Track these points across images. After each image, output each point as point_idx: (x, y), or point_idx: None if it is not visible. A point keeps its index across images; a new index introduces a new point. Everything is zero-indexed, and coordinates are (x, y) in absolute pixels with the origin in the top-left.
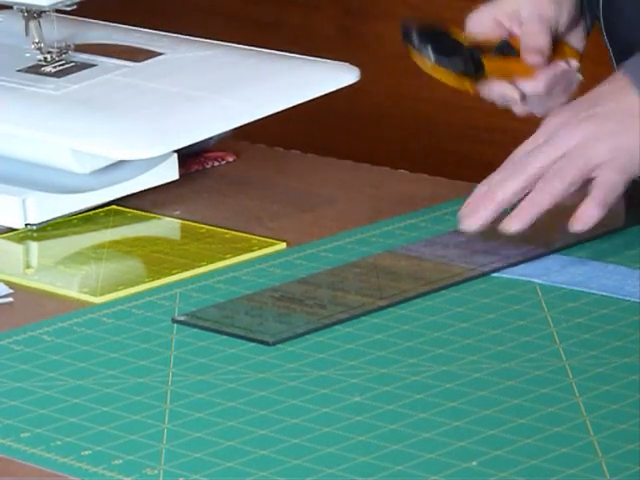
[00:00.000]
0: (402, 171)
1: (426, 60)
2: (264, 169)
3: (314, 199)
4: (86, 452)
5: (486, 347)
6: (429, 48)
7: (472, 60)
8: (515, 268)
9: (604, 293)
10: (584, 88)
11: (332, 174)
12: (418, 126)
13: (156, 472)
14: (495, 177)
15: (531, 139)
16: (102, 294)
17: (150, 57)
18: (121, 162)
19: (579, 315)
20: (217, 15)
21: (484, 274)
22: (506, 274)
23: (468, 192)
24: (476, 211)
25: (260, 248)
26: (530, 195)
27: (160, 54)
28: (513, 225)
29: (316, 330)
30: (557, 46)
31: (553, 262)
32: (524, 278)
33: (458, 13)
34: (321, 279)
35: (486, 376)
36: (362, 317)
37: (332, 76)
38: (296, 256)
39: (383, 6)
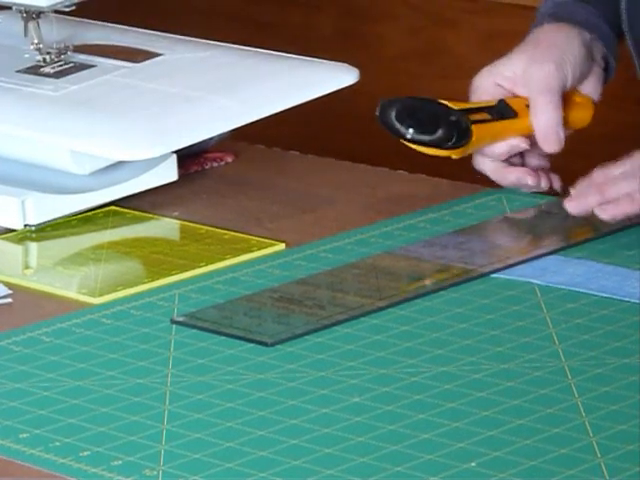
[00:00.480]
0: (401, 172)
1: (403, 137)
2: (263, 170)
3: (313, 200)
4: (85, 453)
5: (485, 348)
6: (405, 125)
7: (457, 129)
8: (514, 269)
9: (603, 294)
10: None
11: (331, 175)
12: None
13: (155, 473)
14: (614, 172)
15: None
16: (101, 295)
17: (149, 58)
18: (120, 163)
19: (578, 316)
20: (217, 15)
21: (483, 275)
22: (505, 275)
23: (467, 192)
24: (584, 197)
25: (259, 249)
26: (635, 195)
27: (159, 55)
28: (605, 214)
29: (315, 331)
30: (568, 96)
31: (552, 263)
32: (523, 279)
33: (459, 13)
34: (320, 280)
35: (485, 377)
36: (361, 318)
37: (331, 77)
38: (295, 257)
39: (383, 7)
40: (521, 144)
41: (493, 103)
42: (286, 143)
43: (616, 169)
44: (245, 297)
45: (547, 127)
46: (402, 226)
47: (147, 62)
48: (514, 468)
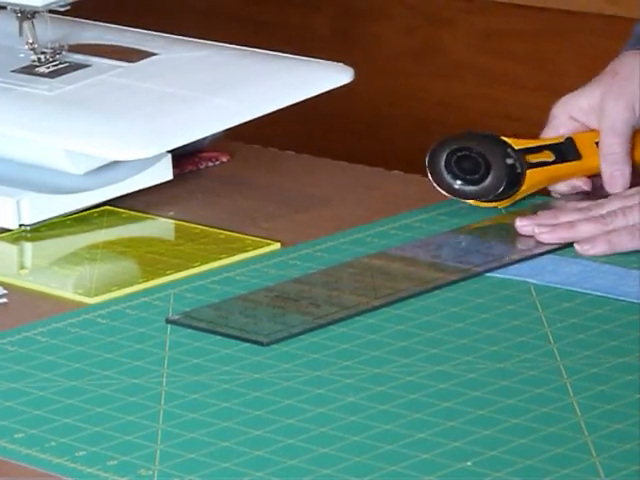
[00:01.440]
0: (396, 172)
1: (449, 192)
2: (258, 169)
3: (309, 199)
4: (81, 453)
5: (480, 347)
6: (453, 174)
7: (509, 176)
8: (509, 268)
9: (599, 293)
10: None
11: (326, 175)
12: (413, 127)
13: (150, 473)
14: (589, 208)
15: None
16: (96, 295)
17: (144, 57)
18: (115, 163)
19: (574, 315)
20: (213, 15)
21: (478, 274)
22: (500, 274)
23: None
24: (555, 232)
25: (254, 248)
26: (575, 223)
27: (154, 54)
28: (543, 236)
29: (311, 330)
30: (638, 135)
31: (547, 262)
32: (518, 278)
33: (455, 13)
34: (316, 279)
35: (481, 376)
36: (357, 317)
37: (326, 76)
38: (291, 256)
39: (379, 6)
40: (583, 186)
41: (561, 139)
42: (281, 143)
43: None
44: (241, 296)
45: (613, 169)
46: (398, 226)
47: (142, 62)
48: (510, 467)
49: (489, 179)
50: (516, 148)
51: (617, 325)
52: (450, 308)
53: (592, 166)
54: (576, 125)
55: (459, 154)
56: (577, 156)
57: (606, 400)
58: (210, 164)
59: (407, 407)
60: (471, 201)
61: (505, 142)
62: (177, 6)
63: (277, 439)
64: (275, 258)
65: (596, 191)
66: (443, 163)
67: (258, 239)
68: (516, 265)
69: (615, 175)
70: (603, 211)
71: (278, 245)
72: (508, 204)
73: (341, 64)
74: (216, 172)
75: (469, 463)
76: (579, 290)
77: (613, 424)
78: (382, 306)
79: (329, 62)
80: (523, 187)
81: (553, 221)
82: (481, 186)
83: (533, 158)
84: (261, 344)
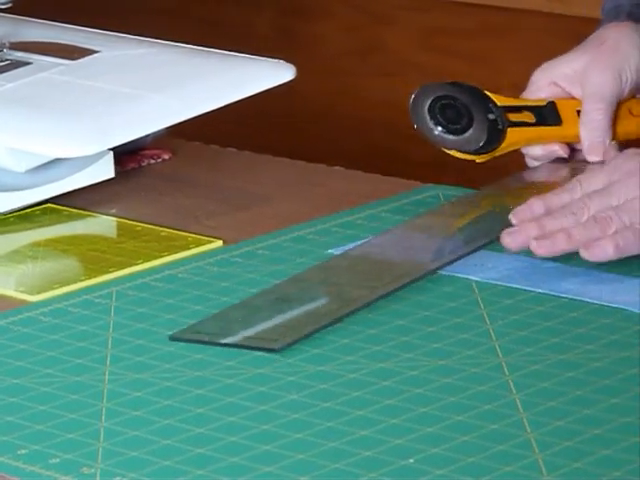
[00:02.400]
0: (338, 168)
1: (430, 137)
2: (200, 167)
3: (250, 197)
4: (22, 451)
5: (422, 344)
6: (435, 122)
7: (490, 131)
8: (452, 266)
9: (540, 290)
10: None
11: (268, 172)
12: (355, 124)
13: (93, 471)
14: (555, 202)
15: (601, 172)
16: (39, 292)
17: (86, 55)
18: (57, 160)
19: (515, 312)
20: (155, 13)
21: (428, 272)
22: (444, 271)
23: (404, 189)
24: (520, 234)
25: (197, 246)
26: (571, 231)
27: (96, 52)
28: (540, 251)
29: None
30: (624, 105)
31: (489, 259)
32: (460, 275)
33: (397, 11)
34: (312, 275)
35: (423, 373)
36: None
37: (268, 74)
38: (233, 254)
39: (321, 5)
40: (559, 151)
41: (542, 103)
42: (223, 140)
43: (557, 200)
44: (240, 303)
45: (593, 136)
46: (339, 223)
47: (84, 59)
48: (452, 464)
49: (470, 131)
50: (498, 104)
51: (559, 322)
52: (391, 305)
53: (572, 133)
54: (557, 91)
55: (443, 102)
56: (558, 121)
57: (548, 397)
58: (152, 162)
59: (349, 404)
60: (450, 151)
61: (488, 97)
62: (118, 4)
63: (219, 437)
64: (217, 255)
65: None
66: (426, 108)
67: (200, 237)
68: (458, 262)
69: (595, 143)
70: (586, 212)
71: (220, 242)
72: (485, 160)
73: (283, 62)
74: (158, 170)
75: (412, 460)
76: (521, 287)
77: (555, 421)
78: (384, 296)
79: (271, 60)
80: (502, 144)
81: (536, 230)
82: (462, 137)
83: (514, 117)
84: (273, 351)
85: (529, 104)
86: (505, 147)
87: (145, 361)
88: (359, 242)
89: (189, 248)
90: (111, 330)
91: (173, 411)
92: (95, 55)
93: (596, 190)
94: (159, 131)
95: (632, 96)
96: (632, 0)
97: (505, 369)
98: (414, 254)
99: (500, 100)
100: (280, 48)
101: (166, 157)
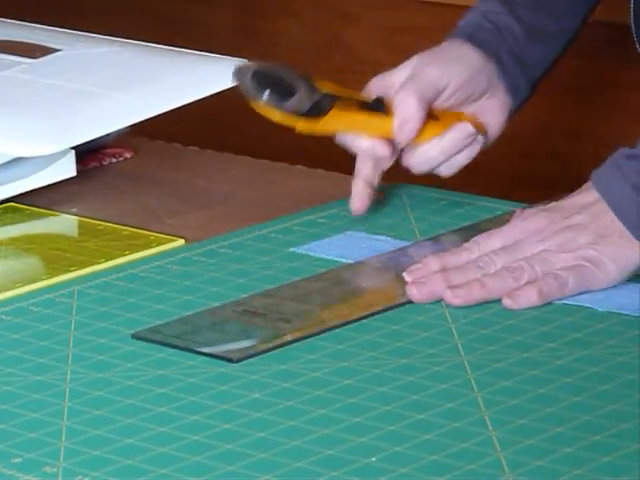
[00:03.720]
0: (300, 167)
1: (253, 97)
2: (162, 165)
3: (213, 195)
4: None
5: (385, 343)
6: (259, 86)
7: (313, 103)
8: None
9: None
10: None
11: (230, 170)
12: None
13: (55, 470)
14: (452, 259)
15: (499, 233)
16: (0, 291)
17: (47, 53)
18: (18, 159)
19: (477, 311)
20: (115, 11)
21: None
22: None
23: None
24: (427, 285)
25: (158, 245)
26: (484, 280)
27: (57, 50)
28: (455, 301)
29: (282, 346)
30: (450, 116)
31: None
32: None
33: (359, 9)
34: (284, 292)
35: (385, 372)
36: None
37: (230, 72)
38: (195, 252)
39: (282, 2)
40: (385, 147)
41: (369, 99)
42: (185, 139)
43: (455, 259)
44: (208, 310)
45: (404, 112)
46: (302, 221)
47: (45, 58)
48: (415, 463)
49: (296, 96)
50: (324, 91)
51: (520, 320)
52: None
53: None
54: (389, 97)
55: (266, 73)
56: (384, 110)
57: (510, 395)
58: (114, 160)
59: (311, 403)
60: (272, 114)
61: (313, 82)
62: (78, 3)
63: (181, 436)
64: (179, 254)
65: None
66: (250, 76)
67: (162, 235)
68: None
69: (405, 120)
70: (493, 267)
71: (182, 241)
72: (307, 131)
73: (245, 60)
74: (120, 168)
75: (374, 459)
76: None
77: (517, 419)
78: (355, 320)
79: (233, 58)
80: (327, 117)
81: (443, 282)
82: (288, 101)
83: (341, 104)
84: (231, 361)
85: (357, 97)
86: (328, 123)
87: (107, 360)
88: (329, 251)
89: (151, 247)
90: (73, 329)
91: (135, 410)
92: (57, 54)
93: (501, 247)
94: (121, 130)
95: (448, 108)
96: (477, 22)
97: (467, 367)
98: (389, 284)
99: (328, 88)
100: (241, 46)
101: (128, 156)
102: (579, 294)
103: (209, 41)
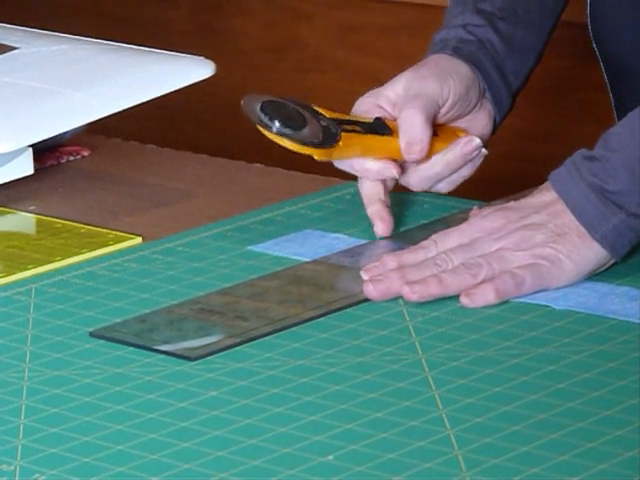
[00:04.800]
0: (258, 165)
1: (268, 129)
2: (119, 163)
3: (170, 193)
4: None
5: (341, 341)
6: (270, 119)
7: (325, 131)
8: None
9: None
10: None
11: (188, 168)
12: None
13: (12, 468)
14: (409, 257)
15: (456, 231)
16: None
17: (4, 51)
18: None
19: (434, 309)
20: (73, 10)
21: None
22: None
23: (323, 185)
24: (383, 283)
25: (116, 243)
26: (442, 276)
27: (14, 48)
28: (412, 296)
29: (240, 344)
30: (448, 131)
31: None
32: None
33: (314, 7)
34: (241, 290)
35: (342, 370)
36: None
37: (188, 70)
38: (152, 250)
39: (239, 1)
40: (392, 169)
41: (370, 120)
42: (143, 136)
43: (411, 257)
44: (166, 309)
45: (410, 133)
46: (259, 220)
47: (2, 56)
48: (371, 461)
49: (307, 128)
50: (327, 116)
51: (478, 319)
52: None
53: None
54: (383, 114)
55: (274, 104)
56: (388, 131)
57: (467, 393)
58: (71, 158)
59: (268, 402)
60: (290, 145)
61: (316, 110)
62: (36, 1)
63: (138, 434)
64: (136, 252)
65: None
66: (258, 108)
67: (119, 233)
68: None
69: (412, 140)
70: (450, 264)
71: (139, 239)
72: (323, 159)
73: (202, 58)
74: (77, 166)
75: (331, 457)
76: None
77: (474, 417)
78: (312, 318)
79: (190, 56)
80: (340, 144)
81: (399, 279)
82: (300, 132)
83: (344, 128)
84: (188, 359)
85: (358, 119)
86: (343, 149)
87: (64, 358)
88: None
89: (108, 245)
90: (30, 327)
91: (92, 408)
92: (14, 52)
93: (459, 245)
94: (78, 128)
95: (444, 123)
96: (458, 35)
97: (425, 365)
98: (346, 282)
99: (329, 113)
100: (197, 44)
101: (85, 154)
102: (536, 292)
103: (165, 39)
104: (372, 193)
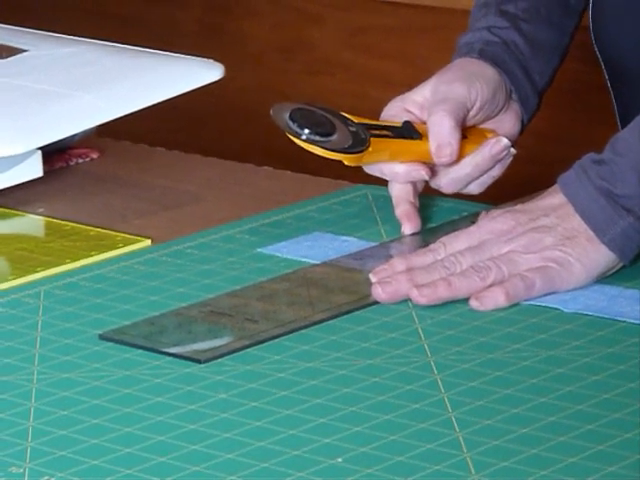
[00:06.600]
0: (267, 168)
1: (298, 137)
2: (128, 166)
3: (179, 196)
4: None
5: (351, 344)
6: (300, 126)
7: (354, 137)
8: None
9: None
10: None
11: (197, 171)
12: None
13: (21, 471)
14: (418, 259)
15: (465, 234)
16: None
17: (14, 54)
18: None
19: (443, 312)
20: (81, 11)
21: None
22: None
23: (332, 189)
24: (392, 285)
25: (125, 245)
26: (451, 279)
27: (24, 51)
28: (421, 300)
29: (249, 347)
30: (478, 133)
31: None
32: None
33: (323, 9)
34: (250, 293)
35: (352, 373)
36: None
37: (197, 73)
38: (161, 253)
39: (247, 3)
40: (421, 171)
41: (398, 124)
42: (152, 139)
43: (420, 260)
44: (175, 311)
45: (440, 136)
46: (268, 222)
47: (12, 58)
48: (380, 464)
49: (336, 135)
50: (356, 121)
51: (486, 321)
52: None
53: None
54: (410, 118)
55: (303, 111)
56: (417, 135)
57: (476, 396)
58: (80, 161)
59: (277, 404)
60: (320, 151)
61: (345, 116)
62: (45, 3)
63: (147, 436)
64: (146, 255)
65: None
66: (287, 116)
67: (128, 236)
68: None
69: (442, 143)
70: (459, 267)
71: (149, 242)
72: (354, 164)
73: (211, 60)
74: (86, 169)
75: (340, 459)
76: None
77: (483, 420)
78: (321, 321)
79: (199, 59)
80: (369, 149)
81: (408, 282)
82: (329, 139)
83: (373, 133)
84: (198, 361)
85: (387, 124)
86: (373, 154)
87: (73, 360)
88: (295, 250)
89: (117, 247)
90: (39, 329)
91: (101, 410)
92: (24, 54)
93: (467, 248)
94: (87, 130)
95: (473, 125)
96: (483, 37)
97: (434, 368)
98: (355, 285)
99: (357, 119)
100: (205, 46)
101: (94, 156)
102: (545, 295)
103: (174, 41)
104: (402, 194)
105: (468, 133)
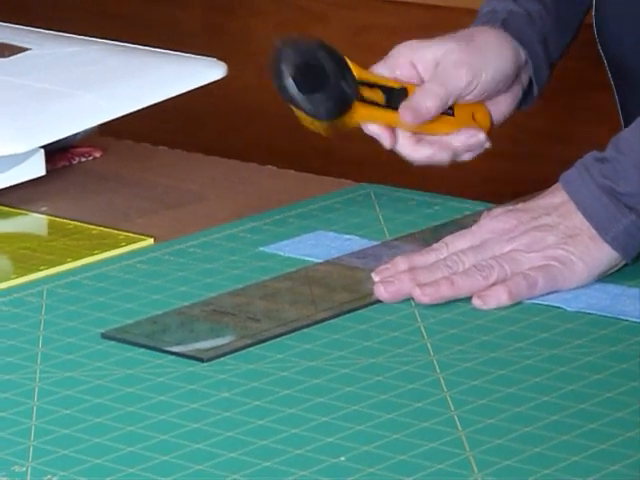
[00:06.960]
0: (270, 167)
1: (282, 94)
2: (131, 165)
3: (182, 195)
4: None
5: (353, 342)
6: (290, 82)
7: (338, 99)
8: None
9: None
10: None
11: (200, 170)
12: (285, 122)
13: (24, 469)
14: (420, 258)
15: (467, 233)
16: None
17: (16, 53)
18: None
19: (446, 311)
20: (81, 11)
21: None
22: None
23: (335, 187)
24: (394, 284)
25: (128, 244)
26: (453, 278)
27: (26, 49)
28: (423, 299)
29: (251, 345)
30: (465, 111)
31: None
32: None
33: (327, 7)
34: (253, 292)
35: (354, 371)
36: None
37: (199, 72)
38: (164, 252)
39: (251, 2)
40: (387, 139)
41: (396, 85)
42: (154, 138)
43: (423, 259)
44: (177, 310)
45: (420, 100)
46: (271, 221)
47: (14, 57)
48: (383, 462)
49: (319, 94)
50: (356, 77)
51: (488, 320)
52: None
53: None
54: (412, 73)
55: (302, 60)
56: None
57: (479, 395)
58: (83, 159)
59: (280, 403)
60: (297, 112)
61: (348, 66)
62: (44, 2)
63: (150, 435)
64: (148, 254)
65: None
66: (289, 72)
67: (131, 235)
68: None
69: (416, 106)
70: (462, 266)
71: (151, 241)
72: (328, 131)
73: (214, 59)
74: (89, 167)
75: (343, 458)
76: None
77: (486, 419)
78: (324, 320)
79: (202, 57)
80: (347, 118)
81: (410, 281)
82: (311, 96)
83: (366, 92)
84: (201, 360)
85: (384, 83)
86: (351, 121)
87: (76, 359)
88: (298, 250)
89: (120, 246)
90: (42, 328)
91: (104, 409)
92: (26, 53)
93: (470, 247)
94: (90, 129)
95: (479, 102)
96: (507, 7)
97: (436, 367)
98: (357, 284)
99: (358, 72)
100: (207, 45)
101: (97, 155)
102: (548, 294)
103: (176, 40)
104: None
105: (457, 109)
